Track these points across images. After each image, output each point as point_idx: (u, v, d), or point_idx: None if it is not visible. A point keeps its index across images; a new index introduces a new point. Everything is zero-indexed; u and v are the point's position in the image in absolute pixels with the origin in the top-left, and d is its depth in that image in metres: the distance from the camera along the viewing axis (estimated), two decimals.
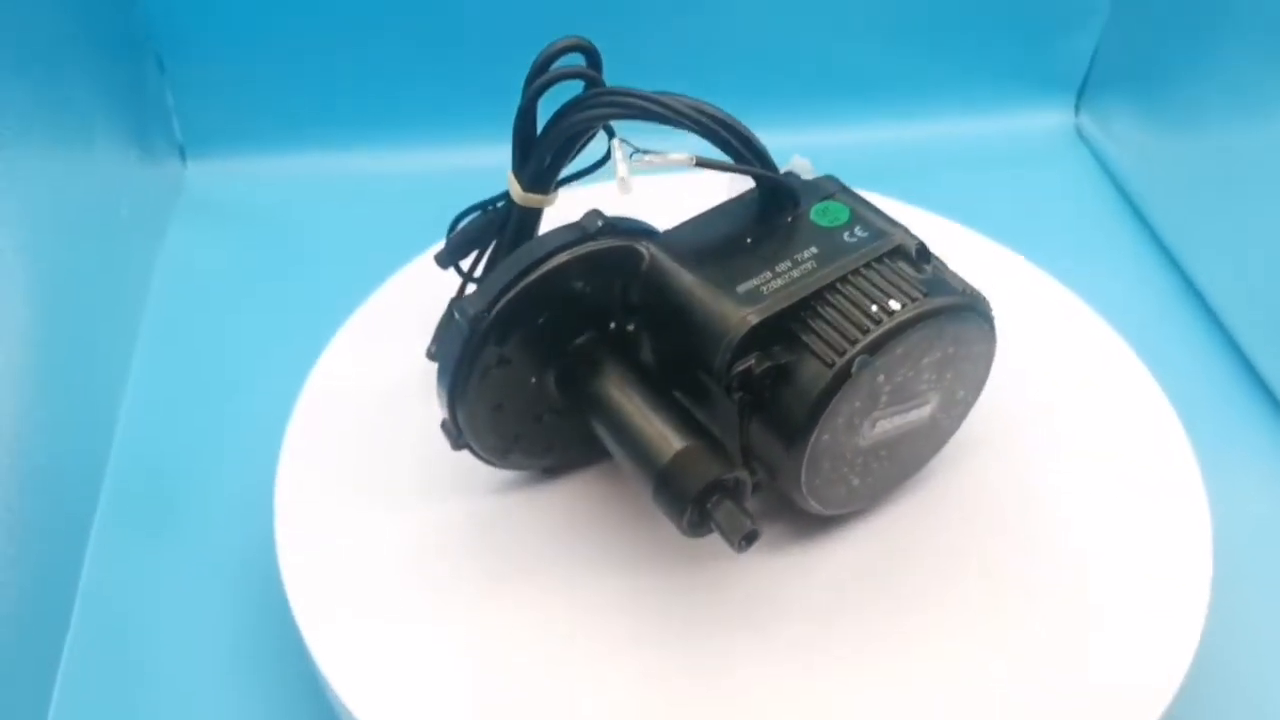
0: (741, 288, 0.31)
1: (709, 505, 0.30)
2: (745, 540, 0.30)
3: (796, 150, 0.35)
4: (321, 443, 0.38)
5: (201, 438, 0.47)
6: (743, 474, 0.31)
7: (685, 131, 0.31)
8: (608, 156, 0.33)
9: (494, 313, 0.31)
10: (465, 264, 0.38)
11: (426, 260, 0.39)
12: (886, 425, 0.33)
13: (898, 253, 0.32)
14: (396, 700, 0.31)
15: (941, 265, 0.32)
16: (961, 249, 0.34)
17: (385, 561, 0.35)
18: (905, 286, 0.31)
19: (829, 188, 0.34)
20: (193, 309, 0.54)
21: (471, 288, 0.37)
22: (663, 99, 0.30)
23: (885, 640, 0.33)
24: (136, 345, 0.52)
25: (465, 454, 0.35)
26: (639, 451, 0.32)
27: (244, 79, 0.61)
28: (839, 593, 0.34)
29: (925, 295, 0.31)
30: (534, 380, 0.34)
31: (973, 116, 0.66)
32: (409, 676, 0.32)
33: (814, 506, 0.33)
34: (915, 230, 0.33)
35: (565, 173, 0.35)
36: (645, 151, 0.31)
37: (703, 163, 0.31)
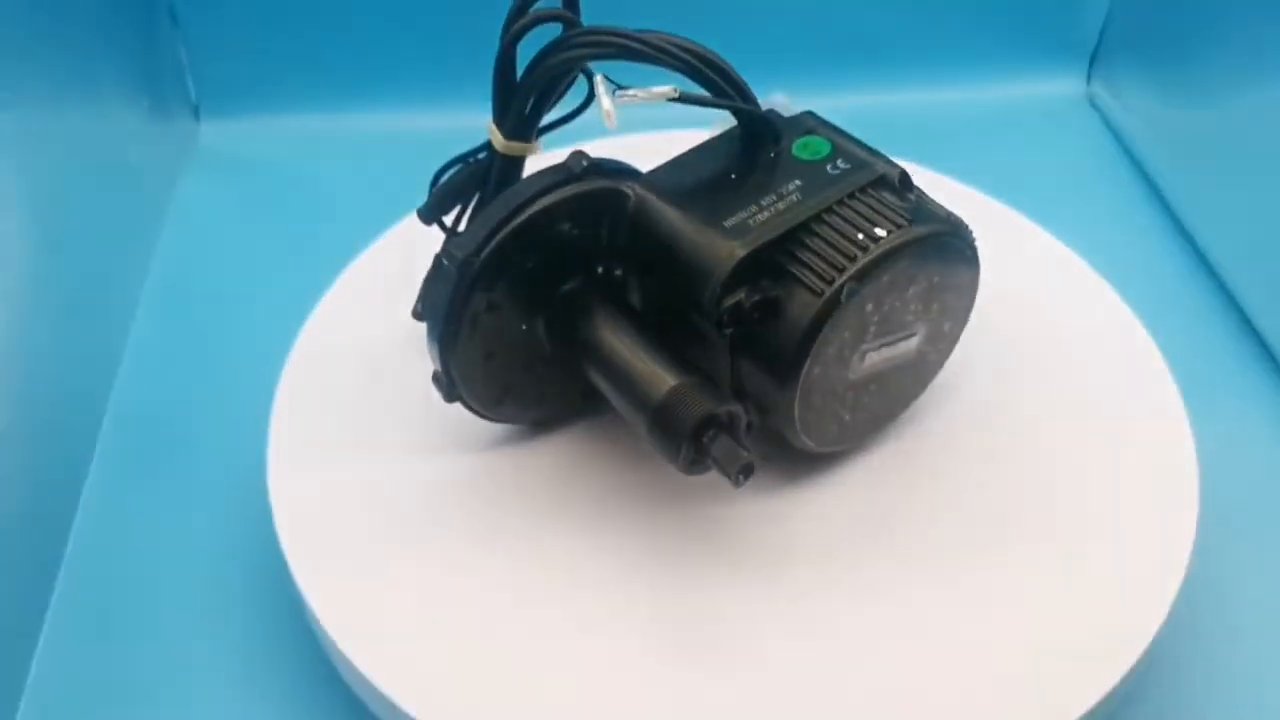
0: (728, 222, 0.31)
1: (705, 440, 0.30)
2: (743, 473, 0.30)
3: None
4: (314, 391, 0.38)
5: (202, 380, 0.47)
6: (737, 408, 0.31)
7: (668, 72, 0.31)
8: (589, 100, 0.33)
9: (483, 256, 0.31)
10: (450, 220, 0.38)
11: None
12: (875, 358, 0.33)
13: (881, 183, 0.32)
14: (384, 636, 0.31)
15: (924, 195, 0.33)
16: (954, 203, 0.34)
17: (375, 500, 0.35)
18: (890, 214, 0.31)
19: (809, 123, 0.34)
20: (201, 258, 0.54)
21: None
22: (642, 36, 0.30)
23: (882, 577, 0.33)
24: (143, 291, 0.52)
25: (457, 408, 0.35)
26: (632, 391, 0.32)
27: (259, 35, 0.60)
28: (836, 529, 0.34)
29: (910, 223, 0.31)
30: (524, 327, 0.34)
31: (983, 83, 0.65)
32: (397, 615, 0.32)
33: (806, 443, 0.33)
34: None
35: (546, 120, 0.35)
36: (627, 88, 0.31)
37: (685, 97, 0.31)
